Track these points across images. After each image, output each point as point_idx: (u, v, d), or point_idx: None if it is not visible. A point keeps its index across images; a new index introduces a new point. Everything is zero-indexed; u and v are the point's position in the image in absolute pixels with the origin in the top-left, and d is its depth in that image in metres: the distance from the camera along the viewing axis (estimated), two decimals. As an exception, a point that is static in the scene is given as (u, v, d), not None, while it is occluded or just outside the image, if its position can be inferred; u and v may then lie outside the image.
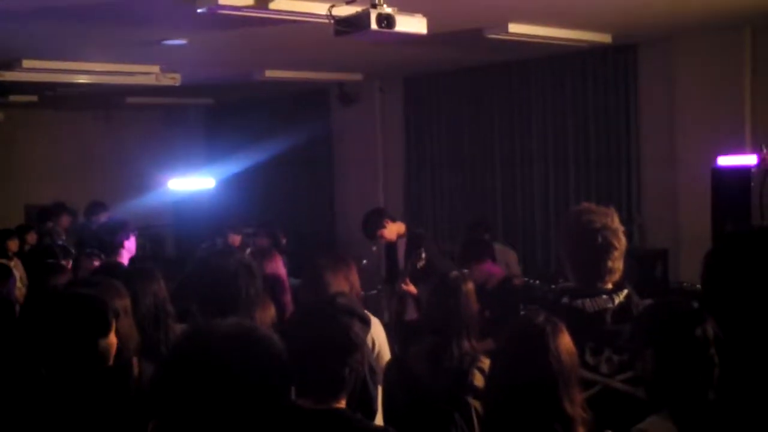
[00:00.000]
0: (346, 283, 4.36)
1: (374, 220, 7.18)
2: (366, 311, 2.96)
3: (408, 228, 7.24)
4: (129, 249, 5.81)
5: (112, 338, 3.12)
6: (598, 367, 3.16)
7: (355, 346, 2.61)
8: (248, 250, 8.43)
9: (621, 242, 3.35)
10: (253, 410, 1.64)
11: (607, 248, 3.29)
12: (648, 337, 2.71)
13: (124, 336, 3.58)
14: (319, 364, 2.56)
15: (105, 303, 3.14)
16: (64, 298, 3.31)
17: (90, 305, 3.07)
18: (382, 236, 7.15)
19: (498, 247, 8.31)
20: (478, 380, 3.71)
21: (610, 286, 3.32)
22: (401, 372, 3.90)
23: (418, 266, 6.48)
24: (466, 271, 4.64)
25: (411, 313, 6.64)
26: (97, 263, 5.81)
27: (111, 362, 3.13)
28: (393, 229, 7.14)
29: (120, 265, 5.58)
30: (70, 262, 6.87)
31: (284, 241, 10.19)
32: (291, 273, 8.59)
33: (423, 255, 6.46)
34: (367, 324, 2.70)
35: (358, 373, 2.64)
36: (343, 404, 2.61)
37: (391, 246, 7.26)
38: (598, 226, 3.31)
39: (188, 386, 1.64)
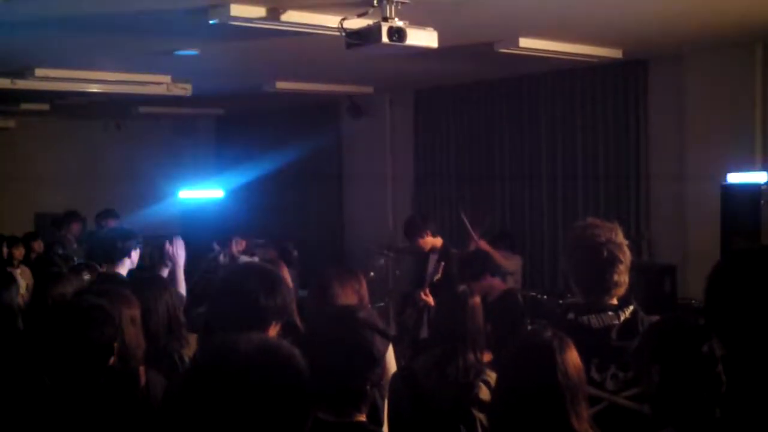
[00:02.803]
0: (355, 296, 4.36)
1: (417, 225, 7.28)
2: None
3: (444, 244, 7.30)
4: (133, 260, 5.79)
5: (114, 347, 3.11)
6: (603, 383, 3.15)
7: (376, 361, 2.61)
8: (256, 259, 8.46)
9: (626, 256, 3.35)
10: (273, 428, 1.62)
11: (612, 262, 3.30)
12: (654, 352, 2.70)
13: (131, 345, 3.58)
14: (340, 378, 2.57)
15: (109, 314, 3.12)
16: (68, 308, 3.29)
17: (93, 316, 3.05)
18: (417, 243, 7.25)
19: (504, 253, 8.29)
20: (484, 393, 3.72)
21: (615, 301, 3.31)
22: (407, 384, 3.90)
23: (435, 279, 6.54)
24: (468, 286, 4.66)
25: (425, 331, 6.61)
26: (87, 277, 5.79)
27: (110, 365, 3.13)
28: (429, 242, 7.24)
29: (118, 275, 5.57)
30: None
31: (295, 253, 10.20)
32: (299, 284, 8.63)
33: (441, 268, 6.49)
34: (387, 338, 2.70)
35: (378, 387, 2.65)
36: (363, 417, 2.62)
37: (423, 257, 7.30)
38: (603, 240, 3.31)
39: (209, 402, 1.61)
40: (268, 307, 3.04)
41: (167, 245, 6.00)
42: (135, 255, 5.80)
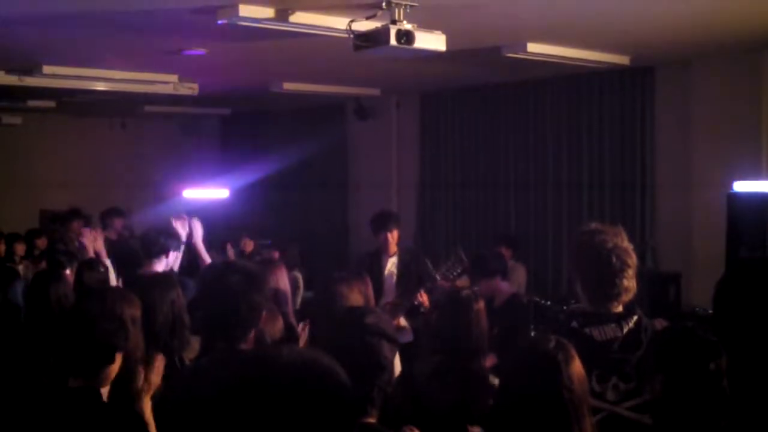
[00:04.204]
0: (361, 298, 4.37)
1: (387, 221, 7.02)
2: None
3: (406, 247, 7.07)
4: (169, 262, 5.79)
5: (118, 361, 3.08)
6: (604, 394, 3.14)
7: (383, 367, 2.61)
8: (256, 259, 8.47)
9: (633, 260, 3.35)
10: None
11: (622, 267, 3.29)
12: (660, 362, 2.68)
13: (131, 346, 3.58)
14: None
15: (113, 334, 3.10)
16: (72, 322, 3.24)
17: (96, 337, 3.03)
18: (386, 239, 6.92)
19: (510, 263, 8.28)
20: (486, 401, 3.69)
21: (620, 308, 3.30)
22: (408, 390, 3.88)
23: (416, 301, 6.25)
24: (476, 288, 4.63)
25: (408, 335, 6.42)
26: (102, 269, 5.79)
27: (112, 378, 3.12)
28: (394, 241, 6.95)
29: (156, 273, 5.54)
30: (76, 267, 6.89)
31: (298, 255, 10.23)
32: (305, 286, 8.62)
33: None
34: (395, 344, 2.69)
35: (386, 392, 2.64)
36: (373, 419, 2.61)
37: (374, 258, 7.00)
38: (610, 246, 3.30)
39: (250, 418, 1.56)
40: (251, 306, 3.05)
41: (174, 222, 6.03)
42: (173, 257, 5.80)
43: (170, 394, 2.58)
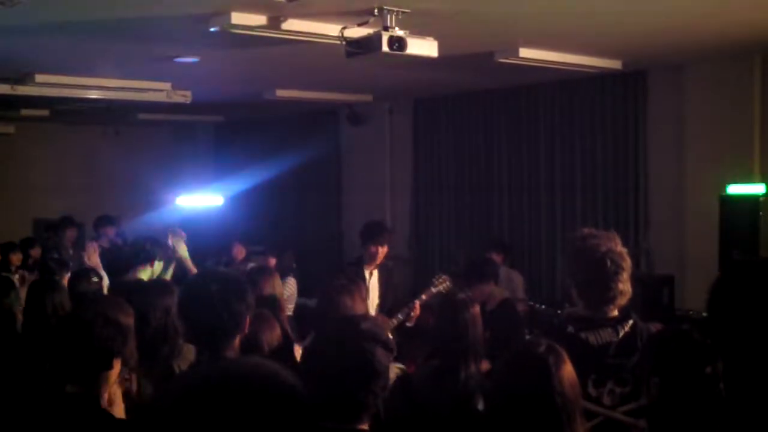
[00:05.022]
0: (363, 306, 4.40)
1: (380, 233, 6.79)
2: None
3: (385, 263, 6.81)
4: (154, 270, 5.81)
5: (116, 367, 3.08)
6: (600, 398, 3.15)
7: (377, 373, 2.61)
8: (249, 265, 8.47)
9: (627, 263, 3.36)
10: None
11: (616, 271, 3.30)
12: (656, 365, 2.69)
13: (127, 353, 3.58)
14: (341, 390, 2.57)
15: (110, 339, 3.09)
16: (69, 327, 3.23)
17: (93, 342, 3.02)
18: (375, 252, 6.65)
19: (504, 269, 8.30)
20: (482, 406, 3.70)
21: (616, 312, 3.31)
22: (405, 394, 3.88)
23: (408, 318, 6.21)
24: (469, 293, 4.64)
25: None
26: (95, 279, 5.79)
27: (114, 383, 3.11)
28: (382, 254, 6.70)
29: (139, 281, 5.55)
30: (66, 276, 6.88)
31: (294, 265, 10.23)
32: (299, 292, 8.62)
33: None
34: (390, 350, 2.69)
35: (379, 399, 2.64)
36: (366, 426, 2.61)
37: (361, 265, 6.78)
38: (604, 250, 3.31)
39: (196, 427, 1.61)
40: (232, 313, 3.05)
41: (170, 238, 6.05)
42: (158, 266, 5.82)
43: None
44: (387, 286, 6.70)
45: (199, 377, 1.70)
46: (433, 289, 6.24)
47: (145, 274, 5.78)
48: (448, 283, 6.29)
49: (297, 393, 1.67)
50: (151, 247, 5.83)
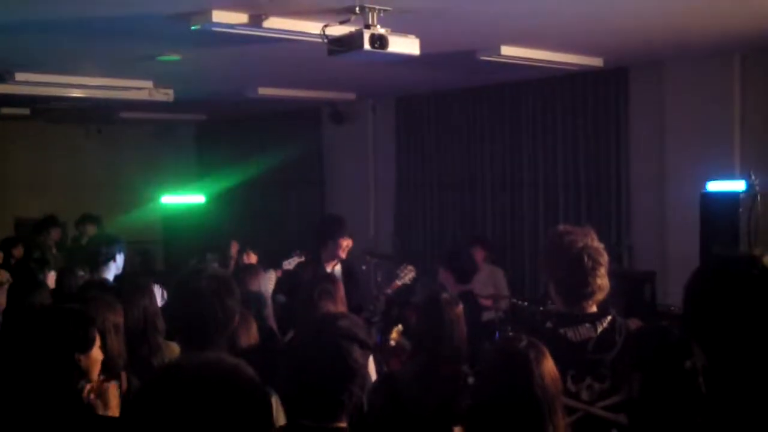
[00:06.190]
0: (343, 306, 4.41)
1: (344, 223, 6.48)
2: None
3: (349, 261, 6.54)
4: (118, 265, 5.77)
5: (96, 354, 3.04)
6: (579, 394, 3.15)
7: (354, 372, 2.61)
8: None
9: (605, 259, 3.36)
10: None
11: (594, 266, 3.30)
12: (637, 360, 2.70)
13: (114, 352, 3.58)
14: (318, 389, 2.58)
15: (88, 318, 3.08)
16: (45, 312, 3.24)
17: (70, 320, 2.98)
18: (347, 244, 6.34)
19: (487, 266, 8.33)
20: (467, 403, 3.71)
21: (594, 308, 3.32)
22: (389, 393, 3.89)
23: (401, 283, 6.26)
24: (453, 293, 4.65)
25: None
26: (81, 273, 5.79)
27: (96, 378, 3.09)
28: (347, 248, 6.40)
29: (105, 281, 5.55)
30: (50, 275, 6.85)
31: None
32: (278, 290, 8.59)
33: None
34: (368, 348, 2.70)
35: (357, 397, 2.64)
36: (344, 424, 2.62)
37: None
38: (581, 246, 3.32)
39: (157, 424, 1.64)
40: (225, 309, 3.06)
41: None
42: (120, 259, 5.79)
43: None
44: (350, 281, 6.58)
45: (161, 372, 1.75)
46: (398, 282, 6.24)
47: (110, 274, 5.75)
48: (413, 274, 6.29)
49: (255, 387, 1.71)
50: (107, 249, 5.77)
